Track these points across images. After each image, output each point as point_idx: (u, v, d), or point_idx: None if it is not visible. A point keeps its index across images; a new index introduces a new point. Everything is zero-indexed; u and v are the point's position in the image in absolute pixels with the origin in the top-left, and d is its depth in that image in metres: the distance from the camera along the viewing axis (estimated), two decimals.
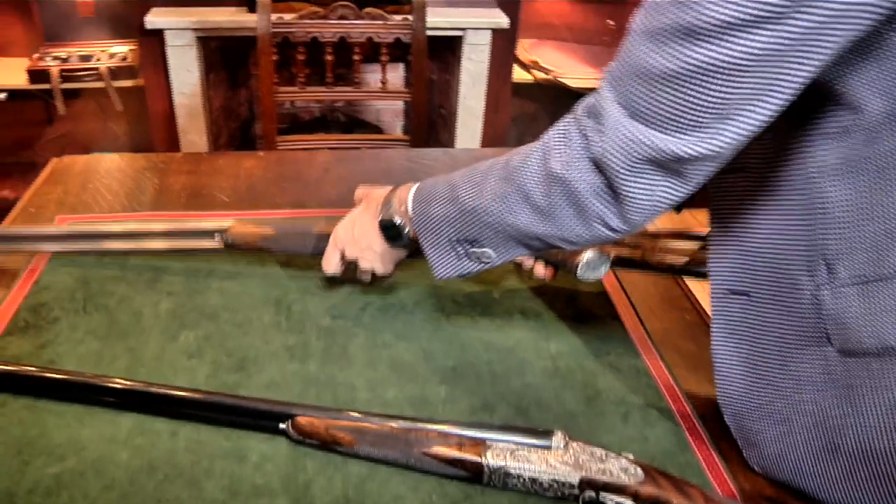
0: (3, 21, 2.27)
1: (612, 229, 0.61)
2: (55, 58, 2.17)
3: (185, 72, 1.93)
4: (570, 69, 2.26)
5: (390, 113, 2.32)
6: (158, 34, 1.87)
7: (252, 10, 1.81)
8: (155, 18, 1.82)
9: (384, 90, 1.65)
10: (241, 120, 2.24)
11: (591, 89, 0.61)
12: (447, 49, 2.06)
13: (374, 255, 0.81)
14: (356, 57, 1.56)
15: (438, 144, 2.25)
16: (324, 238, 0.82)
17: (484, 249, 0.70)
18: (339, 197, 1.00)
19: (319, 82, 1.61)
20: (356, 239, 0.81)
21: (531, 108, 2.46)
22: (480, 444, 0.62)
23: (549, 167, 0.61)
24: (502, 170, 0.65)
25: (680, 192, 0.57)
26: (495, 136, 2.17)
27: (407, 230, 0.76)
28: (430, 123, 2.17)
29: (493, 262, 0.71)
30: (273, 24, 1.51)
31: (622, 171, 0.56)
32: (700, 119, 0.53)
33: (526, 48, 2.33)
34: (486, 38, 1.99)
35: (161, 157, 1.11)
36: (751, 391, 0.66)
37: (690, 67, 0.51)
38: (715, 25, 0.48)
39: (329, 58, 1.57)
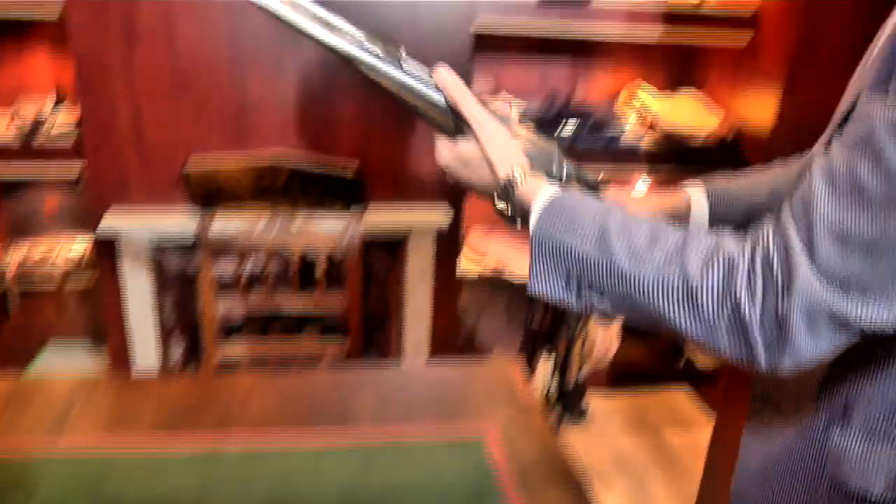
0: None
1: (756, 362, 0.61)
2: (14, 255, 2.23)
3: (138, 273, 1.97)
4: (518, 260, 2.33)
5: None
6: (112, 237, 1.92)
7: (206, 209, 1.88)
8: (108, 223, 1.88)
9: (319, 305, 1.68)
10: (193, 326, 2.26)
11: None
12: (393, 245, 2.12)
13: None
14: (293, 270, 1.62)
15: (381, 347, 2.25)
16: None
17: (603, 303, 0.69)
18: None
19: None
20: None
21: (482, 296, 2.51)
22: None
23: (730, 290, 0.60)
24: (675, 255, 0.64)
25: (841, 350, 0.60)
26: (444, 334, 2.18)
27: (513, 211, 0.77)
28: (371, 325, 2.19)
29: (599, 311, 0.70)
30: (213, 243, 1.56)
31: (802, 329, 0.58)
32: None
33: (476, 238, 2.41)
34: (430, 236, 2.05)
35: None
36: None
37: None
38: None
39: (268, 267, 1.62)
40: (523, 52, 2.44)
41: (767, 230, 0.61)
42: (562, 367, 2.33)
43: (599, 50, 2.47)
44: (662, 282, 0.63)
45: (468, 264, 2.31)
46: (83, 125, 1.85)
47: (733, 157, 2.30)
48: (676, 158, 2.34)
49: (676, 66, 2.56)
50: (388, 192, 2.02)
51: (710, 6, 2.20)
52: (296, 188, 1.79)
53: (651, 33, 2.18)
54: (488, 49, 2.26)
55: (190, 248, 1.95)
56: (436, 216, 2.03)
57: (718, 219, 0.93)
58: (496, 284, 2.38)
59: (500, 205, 0.80)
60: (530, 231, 0.72)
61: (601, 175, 0.93)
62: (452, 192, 2.05)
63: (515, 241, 2.49)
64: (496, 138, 0.80)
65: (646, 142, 2.34)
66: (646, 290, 0.64)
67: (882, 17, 0.67)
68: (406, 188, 2.05)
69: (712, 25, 2.21)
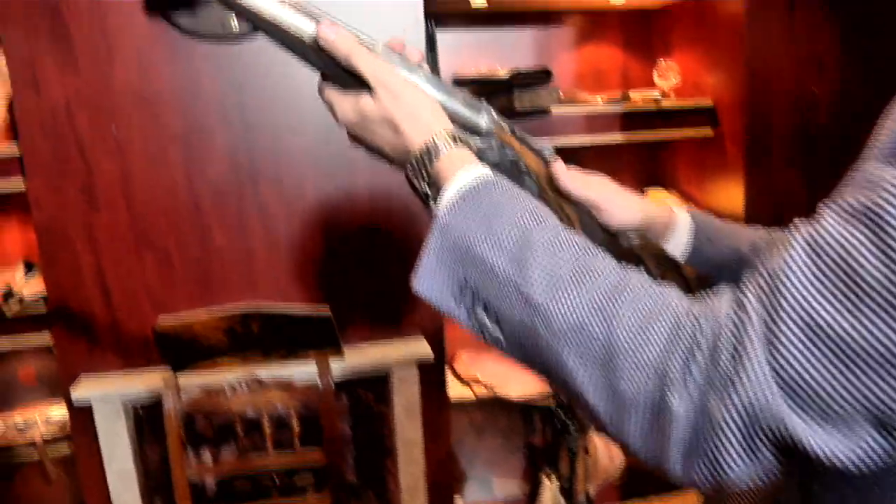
0: None
1: (666, 466, 0.48)
2: None
3: (116, 438, 1.90)
4: (510, 381, 2.25)
5: None
6: (86, 404, 1.86)
7: (177, 368, 1.83)
8: (81, 393, 1.82)
9: (299, 460, 1.61)
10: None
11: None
12: (378, 381, 2.06)
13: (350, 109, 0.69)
14: (267, 429, 1.55)
15: (377, 493, 2.15)
16: None
17: (497, 331, 0.55)
18: None
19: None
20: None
21: (477, 420, 2.42)
22: None
23: (662, 362, 0.48)
24: (606, 300, 0.50)
25: (773, 483, 0.47)
26: (439, 465, 2.09)
27: (429, 195, 0.64)
28: (362, 471, 2.09)
29: (488, 339, 0.56)
30: (182, 405, 1.51)
31: (734, 440, 0.45)
32: (882, 417, 0.41)
33: (465, 363, 2.35)
34: (413, 369, 1.99)
35: None
36: None
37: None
38: None
39: (239, 430, 1.55)
40: None
41: (727, 298, 0.48)
42: (568, 488, 2.22)
43: (562, 158, 2.48)
44: (579, 329, 0.50)
45: (458, 391, 2.24)
46: (49, 294, 1.83)
47: None
48: None
49: (642, 166, 2.57)
50: (364, 331, 1.98)
51: (669, 103, 2.22)
52: (269, 336, 1.76)
53: (613, 136, 2.20)
54: None
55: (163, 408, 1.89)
56: (417, 348, 1.97)
57: (696, 252, 0.81)
58: (490, 407, 2.30)
59: (414, 180, 0.66)
60: (436, 215, 0.60)
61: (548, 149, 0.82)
62: (433, 321, 2.01)
63: (506, 361, 2.43)
64: (406, 95, 0.67)
65: None
66: (555, 333, 0.51)
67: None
68: (383, 325, 2.00)
69: (674, 122, 2.23)
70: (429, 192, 0.65)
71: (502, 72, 2.07)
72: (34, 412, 2.23)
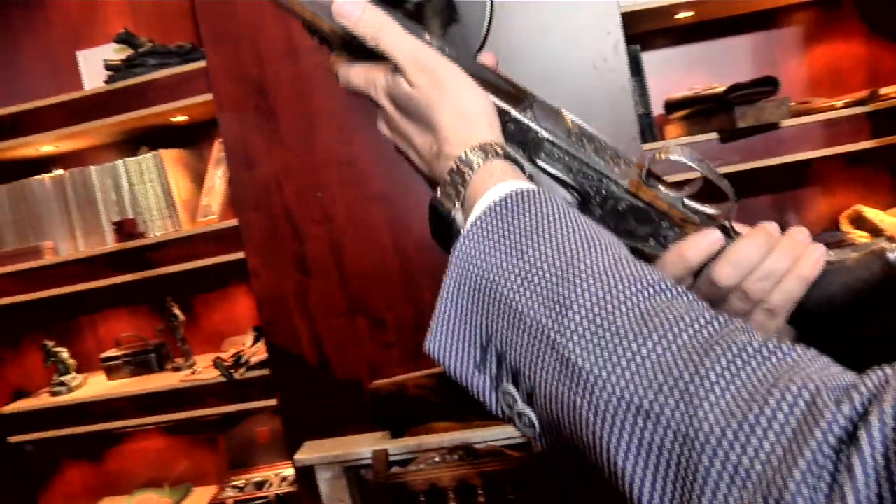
0: (196, 454, 2.46)
1: None
2: (233, 486, 2.28)
3: (337, 501, 1.90)
4: None
5: None
6: (308, 465, 1.89)
7: (395, 435, 1.80)
8: (303, 457, 1.85)
9: None
10: None
11: None
12: None
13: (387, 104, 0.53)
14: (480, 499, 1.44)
15: None
16: None
17: (530, 416, 0.38)
18: None
19: None
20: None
21: None
22: None
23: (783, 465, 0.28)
24: (696, 351, 0.33)
25: None
26: None
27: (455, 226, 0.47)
28: None
29: (523, 430, 0.38)
30: (388, 476, 1.45)
31: None
32: None
33: None
34: None
35: None
36: None
37: None
38: None
39: (451, 497, 1.46)
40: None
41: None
42: None
43: (798, 179, 2.15)
44: (638, 409, 0.32)
45: None
46: (270, 360, 1.89)
47: None
48: None
49: None
50: None
51: None
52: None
53: (860, 144, 1.87)
54: None
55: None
56: None
57: None
58: None
59: (443, 202, 0.49)
60: (453, 249, 0.43)
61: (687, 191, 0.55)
62: None
63: None
64: (453, 85, 0.50)
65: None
66: (603, 414, 0.33)
67: None
68: None
69: None
70: (456, 219, 0.48)
71: (719, 88, 1.84)
72: (270, 470, 2.33)
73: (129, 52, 2.06)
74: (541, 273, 0.38)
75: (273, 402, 2.04)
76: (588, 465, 0.37)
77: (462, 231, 0.45)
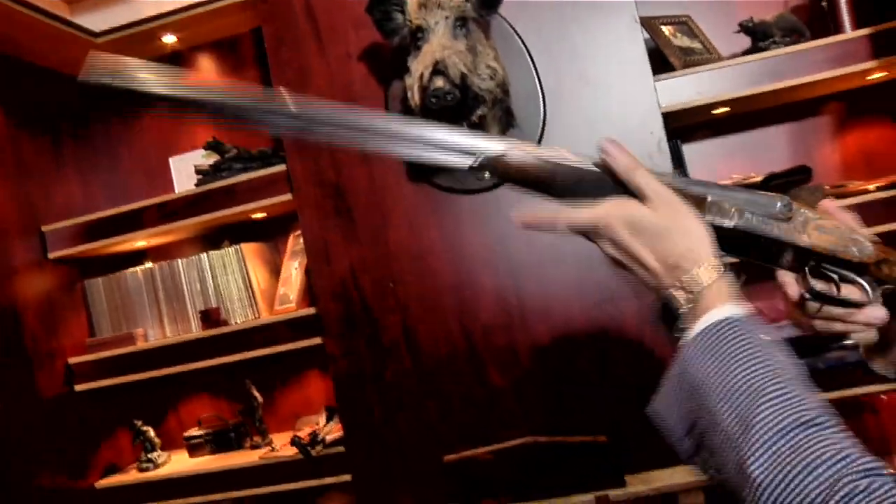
0: None
1: None
2: None
3: None
4: None
5: None
6: None
7: None
8: None
9: None
10: None
11: None
12: None
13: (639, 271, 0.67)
14: None
15: None
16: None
17: (718, 480, 0.54)
18: None
19: None
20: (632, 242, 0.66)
21: None
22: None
23: None
24: (832, 487, 0.48)
25: None
26: None
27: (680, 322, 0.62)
28: None
29: (715, 483, 0.54)
30: None
31: None
32: None
33: None
34: (700, 495, 1.87)
35: None
36: None
37: None
38: None
39: None
40: None
41: None
42: None
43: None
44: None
45: None
46: (347, 440, 2.04)
47: None
48: None
49: None
50: (645, 457, 1.92)
51: None
52: (548, 470, 1.78)
53: (893, 223, 1.99)
54: None
55: None
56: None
57: None
58: None
59: (674, 300, 0.65)
60: (681, 346, 0.59)
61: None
62: None
63: None
64: (684, 211, 0.67)
65: None
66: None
67: None
68: (666, 450, 1.93)
69: None
70: (679, 317, 0.64)
71: (757, 177, 1.99)
72: None
73: (216, 157, 2.30)
74: (736, 393, 0.54)
75: (347, 477, 2.17)
76: None
77: (690, 335, 0.61)
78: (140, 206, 2.29)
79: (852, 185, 2.14)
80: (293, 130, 0.73)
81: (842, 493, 0.47)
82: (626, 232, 0.68)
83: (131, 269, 2.45)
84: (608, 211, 0.69)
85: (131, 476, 2.41)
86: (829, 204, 0.76)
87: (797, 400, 0.54)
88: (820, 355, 2.05)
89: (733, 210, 0.71)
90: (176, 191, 2.42)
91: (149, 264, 2.48)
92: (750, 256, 0.75)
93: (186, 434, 2.49)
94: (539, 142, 1.92)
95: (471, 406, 1.97)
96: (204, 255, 2.38)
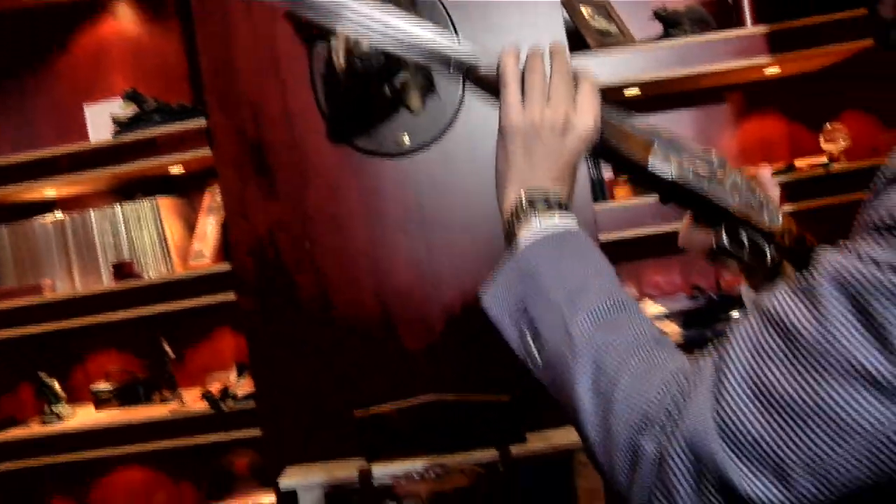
0: (177, 486, 2.60)
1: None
2: None
3: None
4: None
5: None
6: (292, 492, 2.06)
7: (371, 459, 1.98)
8: (287, 481, 2.02)
9: None
10: None
11: None
12: (560, 465, 2.09)
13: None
14: None
15: None
16: None
17: (537, 359, 0.61)
18: None
19: None
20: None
21: None
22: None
23: (648, 409, 0.53)
24: (633, 346, 0.57)
25: None
26: None
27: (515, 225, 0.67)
28: None
29: (531, 366, 0.62)
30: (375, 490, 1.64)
31: (683, 483, 0.50)
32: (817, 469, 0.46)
33: None
34: None
35: None
36: None
37: (839, 414, 0.45)
38: None
39: None
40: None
41: (707, 359, 0.54)
42: None
43: None
44: (598, 367, 0.56)
45: None
46: (258, 393, 2.07)
47: None
48: None
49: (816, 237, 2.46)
50: (545, 417, 2.04)
51: (841, 167, 2.14)
52: (454, 427, 1.87)
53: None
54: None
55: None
56: None
57: None
58: None
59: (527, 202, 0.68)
60: (518, 242, 0.66)
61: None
62: None
63: None
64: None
65: None
66: (579, 365, 0.57)
67: None
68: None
69: (846, 186, 2.13)
70: (521, 217, 0.68)
71: None
72: (248, 500, 2.47)
73: (134, 107, 2.26)
74: (568, 281, 0.61)
75: (256, 432, 2.21)
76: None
77: (524, 236, 0.66)
78: (51, 153, 2.23)
79: (746, 170, 2.30)
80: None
81: (643, 349, 0.57)
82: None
83: (40, 219, 2.39)
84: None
85: (33, 430, 2.37)
86: (765, 172, 0.86)
87: (619, 296, 0.62)
88: (710, 326, 2.21)
89: (674, 162, 0.75)
90: (91, 140, 2.36)
91: (59, 214, 2.42)
92: (682, 206, 0.82)
93: (93, 387, 2.46)
94: (456, 114, 1.99)
95: (383, 366, 2.04)
96: (118, 208, 2.35)
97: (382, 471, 1.81)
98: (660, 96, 2.38)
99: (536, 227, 0.66)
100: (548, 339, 0.60)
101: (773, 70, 2.26)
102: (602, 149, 0.75)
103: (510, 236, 0.68)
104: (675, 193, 0.78)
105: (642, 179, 0.77)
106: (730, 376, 0.50)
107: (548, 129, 0.68)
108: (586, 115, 0.70)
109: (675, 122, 2.43)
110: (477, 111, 1.96)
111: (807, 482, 0.46)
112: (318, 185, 2.00)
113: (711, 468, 0.48)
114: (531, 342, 0.62)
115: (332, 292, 2.01)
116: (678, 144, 0.76)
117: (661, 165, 0.74)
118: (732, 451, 0.48)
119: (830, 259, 0.49)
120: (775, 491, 0.47)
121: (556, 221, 0.66)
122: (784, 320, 0.49)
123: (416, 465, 1.82)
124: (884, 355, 0.44)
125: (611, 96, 2.26)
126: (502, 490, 1.66)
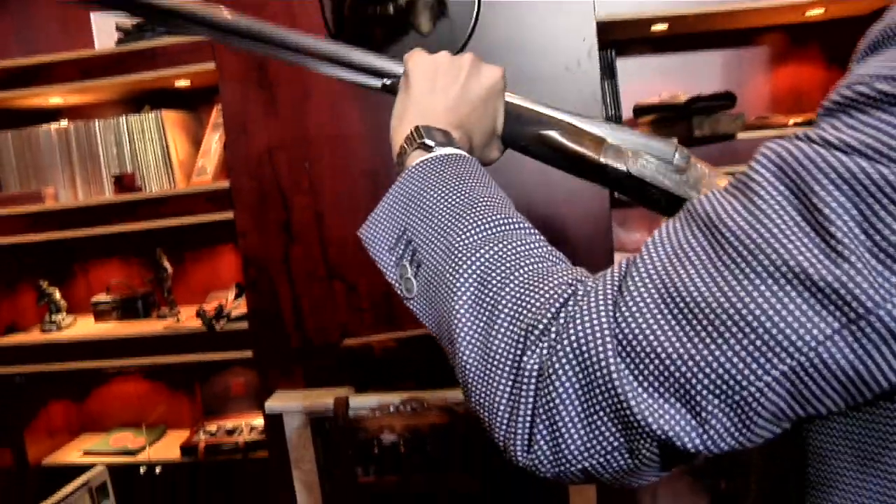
0: (174, 399, 2.62)
1: (512, 440, 0.45)
2: (205, 431, 2.44)
3: (301, 447, 2.07)
4: None
5: None
6: (279, 415, 2.05)
7: (359, 390, 1.96)
8: (273, 404, 2.01)
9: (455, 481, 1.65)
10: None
11: None
12: None
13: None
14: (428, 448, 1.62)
15: None
16: None
17: (412, 283, 0.54)
18: None
19: None
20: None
21: None
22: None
23: (532, 320, 0.45)
24: (520, 255, 0.50)
25: (625, 470, 0.42)
26: (613, 498, 2.04)
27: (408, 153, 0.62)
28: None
29: (404, 290, 0.55)
30: (347, 421, 1.61)
31: (568, 400, 0.41)
32: (718, 392, 0.37)
33: None
34: None
35: None
36: None
37: (750, 316, 0.37)
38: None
39: (402, 448, 1.63)
40: None
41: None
42: None
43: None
44: (481, 280, 0.48)
45: None
46: (250, 315, 2.05)
47: None
48: None
49: None
50: None
51: None
52: (439, 359, 1.83)
53: None
54: None
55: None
56: None
57: None
58: None
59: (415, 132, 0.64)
60: (403, 168, 0.60)
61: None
62: None
63: None
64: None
65: None
66: (460, 279, 0.49)
67: None
68: None
69: None
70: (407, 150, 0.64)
71: (682, 97, 2.00)
72: (241, 419, 2.49)
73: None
74: (454, 199, 0.55)
75: (249, 353, 2.20)
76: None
77: (409, 162, 0.61)
78: (55, 58, 2.18)
79: (774, 118, 2.18)
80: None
81: (532, 258, 0.50)
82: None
83: (44, 126, 2.36)
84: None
85: (33, 336, 2.39)
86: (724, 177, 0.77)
87: (504, 206, 0.56)
88: None
89: (630, 154, 0.71)
90: (96, 47, 2.31)
91: (64, 123, 2.38)
92: (640, 201, 0.75)
93: (94, 299, 2.47)
94: (469, 36, 1.89)
95: (377, 295, 2.00)
96: (122, 119, 2.30)
97: (361, 402, 1.79)
98: (690, 35, 2.25)
99: (426, 156, 0.60)
100: (426, 258, 0.53)
101: (816, 11, 2.10)
102: (551, 148, 0.73)
103: (400, 168, 0.63)
104: (637, 188, 0.72)
105: (598, 177, 0.73)
106: (636, 277, 0.41)
107: (451, 67, 0.67)
108: (494, 68, 0.70)
109: (704, 63, 2.30)
110: (488, 38, 1.86)
111: (722, 415, 0.38)
112: (320, 104, 1.93)
113: (603, 384, 0.40)
114: (407, 265, 0.55)
115: (329, 215, 1.96)
116: (633, 136, 0.72)
117: (614, 161, 0.70)
118: (629, 365, 0.39)
119: (771, 145, 0.41)
120: (684, 424, 0.38)
121: (449, 151, 0.61)
122: (710, 214, 0.41)
123: (394, 399, 1.79)
124: (824, 253, 0.36)
125: (637, 31, 2.14)
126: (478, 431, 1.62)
